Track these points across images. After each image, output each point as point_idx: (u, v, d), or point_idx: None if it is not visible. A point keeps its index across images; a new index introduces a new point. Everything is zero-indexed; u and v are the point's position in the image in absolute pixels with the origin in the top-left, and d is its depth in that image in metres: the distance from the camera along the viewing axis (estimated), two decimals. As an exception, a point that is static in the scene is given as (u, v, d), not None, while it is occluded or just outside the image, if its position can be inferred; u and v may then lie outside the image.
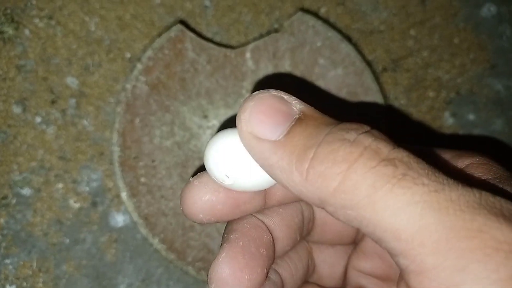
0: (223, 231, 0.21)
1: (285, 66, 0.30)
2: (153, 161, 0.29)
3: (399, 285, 0.16)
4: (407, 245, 0.14)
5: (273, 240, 0.21)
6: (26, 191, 0.30)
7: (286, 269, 0.22)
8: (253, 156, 0.18)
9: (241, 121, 0.17)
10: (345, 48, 0.31)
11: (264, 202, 0.21)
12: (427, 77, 0.34)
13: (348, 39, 0.32)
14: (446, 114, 0.34)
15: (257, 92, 0.18)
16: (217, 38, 0.32)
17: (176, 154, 0.29)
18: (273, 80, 0.30)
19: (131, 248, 0.31)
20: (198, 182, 0.19)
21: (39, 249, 0.30)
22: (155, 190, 0.29)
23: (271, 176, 0.18)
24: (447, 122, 0.34)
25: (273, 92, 0.18)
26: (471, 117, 0.34)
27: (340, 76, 0.30)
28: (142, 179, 0.29)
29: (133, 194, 0.29)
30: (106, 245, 0.31)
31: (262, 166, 0.18)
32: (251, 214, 0.21)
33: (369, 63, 0.33)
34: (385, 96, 0.33)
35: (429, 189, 0.14)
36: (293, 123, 0.17)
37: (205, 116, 0.30)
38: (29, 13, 0.31)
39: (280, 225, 0.21)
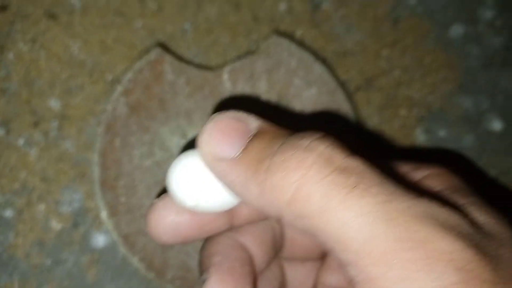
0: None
1: (262, 87, 0.31)
2: (133, 180, 0.30)
3: None
4: (356, 256, 0.15)
5: (251, 258, 0.21)
6: (9, 213, 0.31)
7: (263, 287, 0.22)
8: (215, 175, 0.18)
9: (201, 143, 0.18)
10: (319, 68, 0.32)
11: (229, 221, 0.21)
12: (399, 96, 0.35)
13: (323, 60, 0.34)
14: (418, 131, 0.35)
15: (216, 113, 0.18)
16: (197, 60, 0.33)
17: (156, 173, 0.30)
18: (250, 100, 0.31)
19: (112, 268, 0.31)
20: (162, 203, 0.20)
21: (20, 270, 0.31)
22: (135, 209, 0.30)
23: (233, 193, 0.18)
24: (419, 139, 0.35)
25: (231, 113, 0.18)
26: (442, 133, 0.35)
27: (315, 95, 0.32)
28: (122, 199, 0.29)
29: (113, 213, 0.29)
30: (87, 266, 0.31)
31: (224, 184, 0.18)
32: (226, 235, 0.21)
33: (343, 83, 0.34)
34: (358, 115, 0.34)
35: (379, 200, 0.15)
36: (249, 139, 0.17)
37: (185, 136, 0.31)
38: (13, 37, 0.32)
39: (255, 243, 0.22)
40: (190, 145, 0.30)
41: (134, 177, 0.30)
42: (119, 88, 0.30)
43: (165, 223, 0.20)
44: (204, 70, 0.31)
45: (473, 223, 0.16)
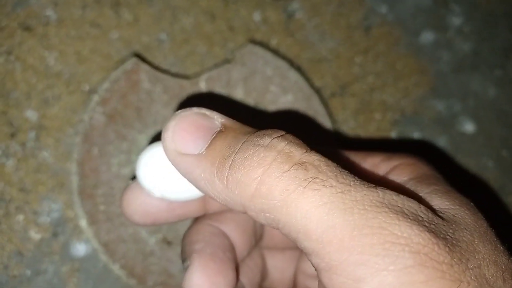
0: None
1: (239, 94, 0.32)
2: (112, 189, 0.30)
3: (319, 286, 0.17)
4: (317, 244, 0.15)
5: (232, 245, 0.22)
6: (-14, 225, 0.31)
7: (245, 275, 0.23)
8: (180, 171, 0.19)
9: (165, 139, 0.18)
10: (294, 76, 0.33)
11: (203, 207, 0.22)
12: (373, 101, 0.36)
13: (298, 67, 0.34)
14: (393, 134, 0.36)
15: (179, 111, 0.19)
16: (174, 69, 0.34)
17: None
18: (228, 106, 0.32)
19: (93, 277, 0.31)
20: (135, 185, 0.21)
21: (-1, 282, 0.30)
22: (114, 217, 0.30)
23: (198, 189, 0.19)
24: (394, 142, 0.36)
25: (195, 109, 0.19)
26: (416, 136, 0.36)
27: (290, 101, 0.32)
28: (101, 207, 0.30)
29: (92, 221, 0.29)
30: (68, 275, 0.31)
31: (189, 180, 0.19)
32: (207, 223, 0.22)
33: (318, 89, 0.35)
34: (334, 120, 0.35)
35: (336, 191, 0.16)
36: (214, 136, 0.18)
37: (163, 144, 0.31)
38: (-12, 49, 0.32)
39: (236, 230, 0.22)
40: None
41: (113, 185, 0.30)
42: (96, 98, 0.30)
43: (136, 204, 0.20)
44: (181, 79, 0.32)
45: (431, 209, 0.17)
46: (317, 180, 0.16)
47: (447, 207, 0.18)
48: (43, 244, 0.31)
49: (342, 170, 0.16)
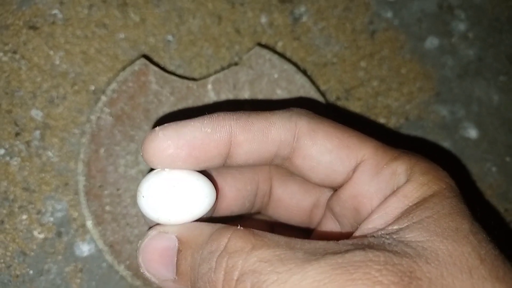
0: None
1: (245, 97, 0.32)
2: (118, 189, 0.30)
3: None
4: None
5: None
6: (-11, 224, 0.30)
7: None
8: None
9: (140, 265, 0.21)
10: (300, 79, 0.33)
11: (224, 159, 0.22)
12: (377, 105, 0.36)
13: (304, 71, 0.35)
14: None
15: (141, 241, 0.22)
16: (180, 71, 0.34)
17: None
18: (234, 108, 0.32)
19: (96, 277, 0.31)
20: (163, 134, 0.20)
21: (1, 282, 0.30)
22: (120, 218, 0.30)
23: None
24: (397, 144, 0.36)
25: (151, 231, 0.21)
26: (420, 141, 0.37)
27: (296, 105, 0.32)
28: (107, 208, 0.29)
29: (98, 222, 0.29)
30: (71, 275, 0.31)
31: None
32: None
33: (323, 93, 0.35)
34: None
35: (278, 283, 0.17)
36: (176, 259, 0.20)
37: (169, 145, 0.31)
38: (-7, 48, 0.32)
39: (231, 185, 0.24)
40: None
41: (119, 186, 0.30)
42: (104, 98, 0.30)
43: (164, 155, 0.20)
44: (188, 81, 0.32)
45: (394, 251, 0.17)
46: (259, 284, 0.17)
47: (422, 239, 0.18)
48: (46, 244, 0.31)
49: (285, 252, 0.18)
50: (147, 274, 0.21)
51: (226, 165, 0.22)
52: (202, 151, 0.21)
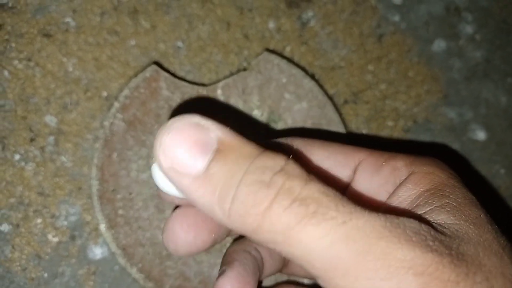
0: (199, 258, 0.23)
1: (254, 101, 0.32)
2: (130, 193, 0.30)
3: None
4: (322, 272, 0.16)
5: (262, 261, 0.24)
6: (5, 227, 0.31)
7: (264, 248, 0.24)
8: (177, 188, 0.18)
9: (159, 156, 0.17)
10: (308, 83, 0.33)
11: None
12: (385, 108, 0.37)
13: (312, 75, 0.35)
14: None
15: (172, 120, 0.17)
16: (190, 76, 0.34)
17: (152, 186, 0.31)
18: (243, 115, 0.32)
19: (109, 280, 0.32)
20: (179, 222, 0.21)
21: (17, 284, 0.31)
22: (132, 221, 0.30)
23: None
24: (405, 147, 0.36)
25: (189, 118, 0.17)
26: (428, 143, 0.37)
27: (305, 109, 0.33)
28: (120, 211, 0.30)
29: (111, 225, 0.30)
30: (84, 278, 0.31)
31: (185, 196, 0.18)
32: (243, 244, 0.24)
33: (331, 97, 0.35)
34: (347, 127, 0.35)
35: (337, 222, 0.16)
36: (212, 156, 0.17)
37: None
38: (8, 55, 0.33)
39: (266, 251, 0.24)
40: None
41: (132, 190, 0.30)
42: (116, 105, 0.31)
43: (185, 241, 0.21)
44: (198, 86, 0.32)
45: (433, 226, 0.18)
46: (317, 213, 0.16)
47: (451, 222, 0.18)
48: (60, 247, 0.31)
49: (342, 198, 0.17)
50: (163, 159, 0.17)
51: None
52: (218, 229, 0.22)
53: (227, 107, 0.32)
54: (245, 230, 0.17)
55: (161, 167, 0.17)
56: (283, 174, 0.17)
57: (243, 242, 0.24)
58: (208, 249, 0.22)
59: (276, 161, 0.17)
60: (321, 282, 0.16)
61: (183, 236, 0.21)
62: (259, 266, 0.23)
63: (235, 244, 0.24)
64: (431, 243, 0.16)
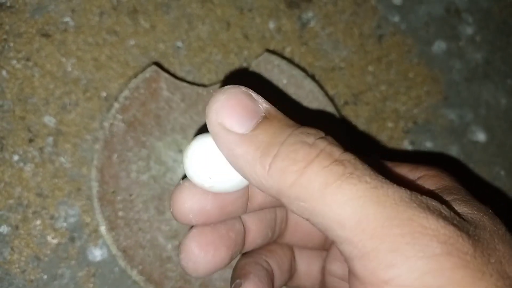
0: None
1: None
2: (131, 195, 0.30)
3: (349, 279, 0.18)
4: (351, 232, 0.17)
5: (244, 231, 0.24)
6: (3, 229, 0.31)
7: (273, 260, 0.25)
8: (219, 146, 0.19)
9: (211, 111, 0.19)
10: (309, 84, 0.33)
11: (246, 205, 0.22)
12: (385, 109, 0.36)
13: (312, 76, 0.35)
14: (405, 142, 0.36)
15: (228, 86, 0.19)
16: (190, 77, 0.34)
17: (153, 187, 0.31)
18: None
19: (109, 282, 0.31)
20: (189, 184, 0.21)
21: (16, 286, 0.31)
22: (132, 223, 0.30)
23: (233, 166, 0.19)
24: (407, 151, 0.36)
25: (243, 88, 0.19)
26: (428, 144, 0.37)
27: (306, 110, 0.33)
28: (120, 213, 0.30)
29: (111, 227, 0.30)
30: (84, 280, 0.31)
31: (226, 156, 0.19)
32: (253, 256, 0.25)
33: (331, 98, 0.35)
34: (347, 128, 0.35)
35: (370, 186, 0.17)
36: (259, 120, 0.19)
37: (180, 151, 0.32)
38: (6, 55, 0.33)
39: (253, 218, 0.24)
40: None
41: (132, 192, 0.30)
42: (116, 105, 0.31)
43: (191, 203, 0.21)
44: (198, 87, 0.32)
45: (453, 210, 0.18)
46: (354, 176, 0.17)
47: (466, 212, 0.19)
48: (60, 249, 0.31)
49: (373, 170, 0.18)
50: (215, 115, 0.18)
51: (249, 210, 0.23)
52: (225, 199, 0.22)
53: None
54: (282, 186, 0.17)
55: (210, 123, 0.19)
56: (325, 140, 0.18)
57: (253, 255, 0.25)
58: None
59: (318, 131, 0.18)
60: (345, 246, 0.17)
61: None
62: (241, 231, 0.23)
63: (245, 257, 0.25)
64: (452, 220, 0.17)
